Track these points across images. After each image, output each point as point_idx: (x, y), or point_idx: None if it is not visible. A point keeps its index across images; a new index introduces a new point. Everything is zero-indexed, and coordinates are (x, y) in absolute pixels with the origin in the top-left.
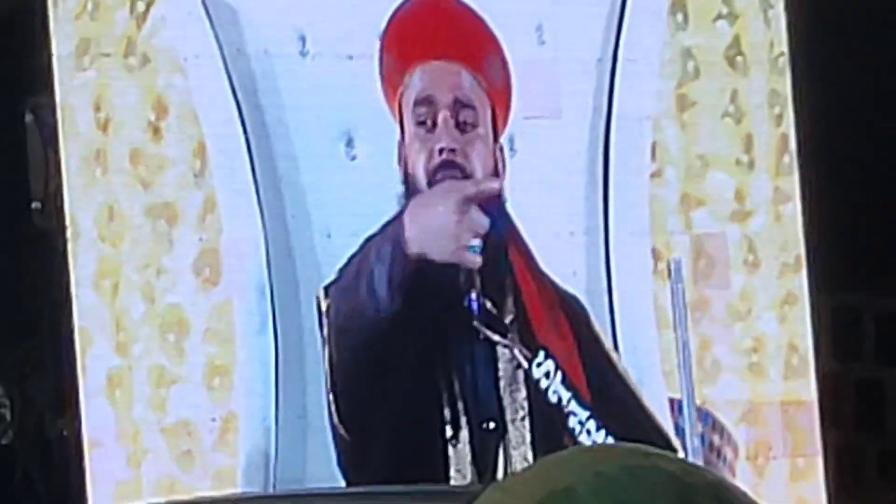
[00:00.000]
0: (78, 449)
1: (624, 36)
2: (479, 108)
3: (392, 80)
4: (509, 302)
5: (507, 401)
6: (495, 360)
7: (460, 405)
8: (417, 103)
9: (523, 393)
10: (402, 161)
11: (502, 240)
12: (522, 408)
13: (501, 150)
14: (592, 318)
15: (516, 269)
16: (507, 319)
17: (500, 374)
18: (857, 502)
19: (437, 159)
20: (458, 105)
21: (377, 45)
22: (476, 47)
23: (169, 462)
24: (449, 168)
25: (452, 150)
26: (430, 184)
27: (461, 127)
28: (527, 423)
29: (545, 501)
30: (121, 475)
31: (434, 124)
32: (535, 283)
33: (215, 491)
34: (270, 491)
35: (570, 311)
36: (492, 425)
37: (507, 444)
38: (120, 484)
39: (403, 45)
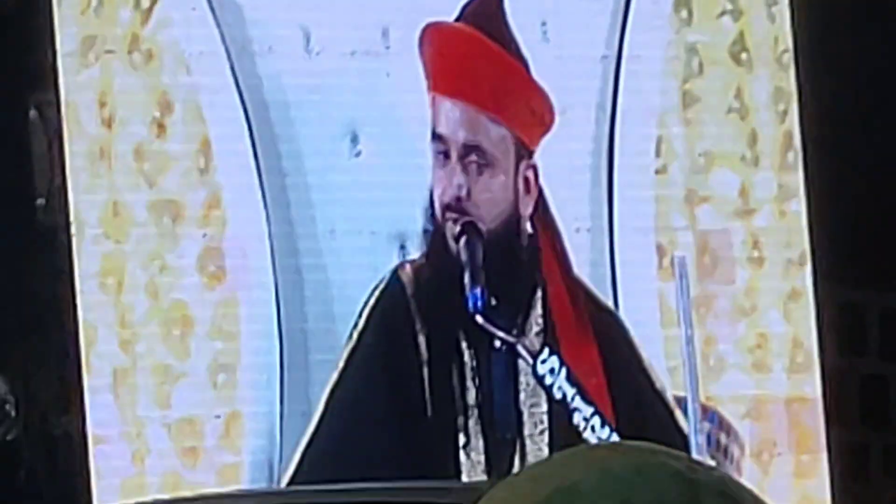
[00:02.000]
0: (82, 446)
1: (628, 32)
2: (492, 148)
3: (426, 77)
4: (536, 312)
5: (526, 415)
6: (516, 372)
7: (475, 413)
8: (433, 136)
9: (544, 407)
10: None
11: (535, 247)
12: (542, 422)
13: (533, 168)
14: (631, 333)
15: (549, 277)
16: (535, 331)
17: (521, 386)
18: (862, 498)
19: (446, 198)
20: (468, 148)
21: (415, 39)
22: (501, 87)
23: (173, 459)
24: (453, 211)
25: (458, 199)
26: (444, 216)
27: (471, 168)
28: (545, 437)
29: (551, 498)
30: (125, 472)
31: (448, 157)
32: (566, 294)
33: (220, 487)
34: (275, 487)
35: (602, 325)
36: (507, 435)
37: (524, 458)
38: (124, 480)
39: (428, 65)
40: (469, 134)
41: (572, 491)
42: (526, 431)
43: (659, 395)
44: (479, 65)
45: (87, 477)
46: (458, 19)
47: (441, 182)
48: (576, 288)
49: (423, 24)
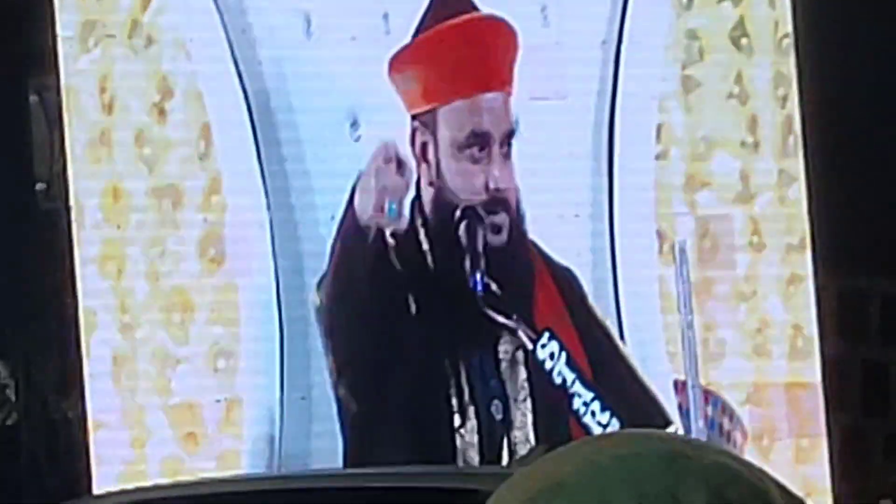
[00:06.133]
0: (82, 430)
1: (629, 17)
2: (513, 129)
3: (427, 87)
4: (517, 282)
5: (508, 383)
6: (496, 343)
7: (467, 394)
8: (472, 135)
9: (524, 374)
10: (418, 149)
11: (516, 221)
12: (524, 388)
13: None
14: (587, 292)
15: (522, 250)
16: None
17: (501, 356)
18: (862, 484)
19: (486, 195)
20: (508, 135)
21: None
22: (508, 63)
23: (173, 443)
24: (498, 205)
25: (507, 188)
26: (486, 213)
27: (506, 153)
28: (528, 403)
29: (537, 497)
30: (125, 456)
31: (482, 153)
32: (527, 258)
33: (220, 472)
34: (275, 471)
35: (565, 285)
36: (499, 417)
37: (510, 424)
38: (124, 465)
39: (445, 66)
40: (507, 122)
41: (557, 487)
42: (510, 397)
43: (618, 352)
44: (499, 47)
45: (87, 461)
46: (427, 8)
47: (477, 179)
48: (534, 251)
49: (441, 27)
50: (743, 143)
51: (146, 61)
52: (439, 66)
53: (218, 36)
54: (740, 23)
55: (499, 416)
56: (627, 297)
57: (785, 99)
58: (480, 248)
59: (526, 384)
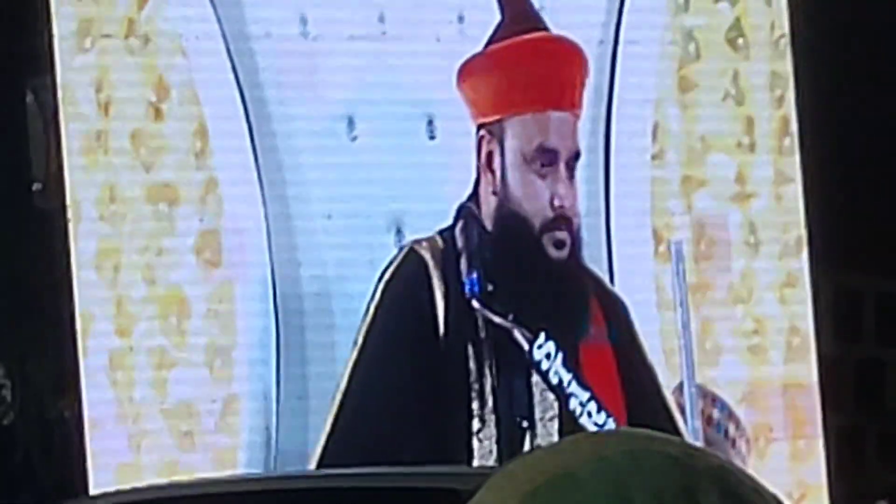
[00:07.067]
0: (79, 430)
1: (625, 17)
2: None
3: (498, 97)
4: (567, 301)
5: (537, 399)
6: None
7: (490, 401)
8: (540, 149)
9: (552, 395)
10: (484, 158)
11: (577, 243)
12: (552, 408)
13: None
14: (634, 323)
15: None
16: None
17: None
18: (858, 484)
19: (550, 213)
20: (574, 156)
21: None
22: (579, 87)
23: (170, 443)
24: (561, 222)
25: (570, 207)
26: (542, 232)
27: (571, 175)
28: (555, 423)
29: (547, 486)
30: (121, 456)
31: (548, 168)
32: (581, 281)
33: (216, 472)
34: (272, 472)
35: (613, 312)
36: (524, 423)
37: (534, 442)
38: (120, 465)
39: (519, 78)
40: (575, 143)
41: (568, 479)
42: (536, 416)
43: (658, 389)
44: (573, 70)
45: (84, 461)
46: (500, 23)
47: (540, 195)
48: (587, 277)
49: (516, 39)
50: (739, 144)
51: (142, 60)
52: (512, 78)
53: (215, 35)
54: (737, 23)
55: (521, 434)
56: (623, 297)
57: (781, 99)
58: (475, 247)
59: (555, 405)
